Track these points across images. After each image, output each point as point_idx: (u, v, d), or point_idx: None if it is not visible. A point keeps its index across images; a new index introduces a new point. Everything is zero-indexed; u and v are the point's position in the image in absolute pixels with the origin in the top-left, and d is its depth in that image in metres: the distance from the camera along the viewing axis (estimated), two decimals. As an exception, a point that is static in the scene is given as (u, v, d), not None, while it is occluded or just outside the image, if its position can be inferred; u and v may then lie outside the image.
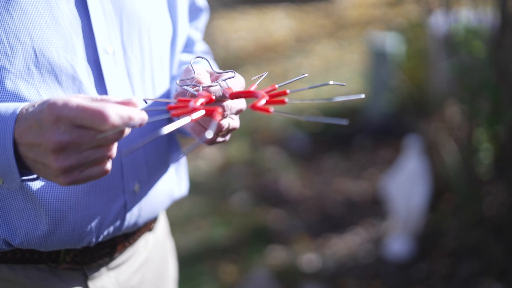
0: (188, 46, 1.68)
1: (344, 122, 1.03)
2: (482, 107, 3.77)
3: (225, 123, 1.30)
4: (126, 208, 1.42)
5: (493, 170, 3.81)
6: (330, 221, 4.44)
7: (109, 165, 1.12)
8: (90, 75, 1.34)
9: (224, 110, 1.26)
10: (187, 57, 1.63)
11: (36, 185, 1.29)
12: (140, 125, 1.07)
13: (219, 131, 1.30)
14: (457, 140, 4.01)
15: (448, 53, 4.06)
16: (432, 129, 4.30)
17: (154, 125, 1.45)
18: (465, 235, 3.80)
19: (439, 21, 4.39)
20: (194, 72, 1.28)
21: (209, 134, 1.00)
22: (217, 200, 4.82)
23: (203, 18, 1.76)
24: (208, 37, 8.78)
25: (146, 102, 1.32)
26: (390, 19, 7.87)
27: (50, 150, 1.05)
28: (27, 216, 1.30)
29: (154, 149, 1.49)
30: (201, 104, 1.13)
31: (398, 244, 3.95)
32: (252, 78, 1.26)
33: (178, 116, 1.07)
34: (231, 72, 1.29)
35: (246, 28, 9.53)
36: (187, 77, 1.28)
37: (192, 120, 1.04)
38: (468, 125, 3.90)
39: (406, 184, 3.91)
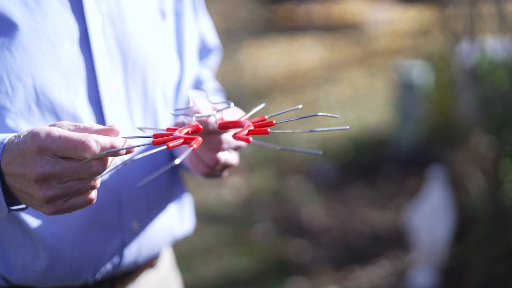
0: (197, 85, 1.68)
1: (319, 152, 1.02)
2: (508, 137, 3.71)
3: (222, 157, 1.30)
4: (124, 246, 1.41)
5: (520, 202, 3.74)
6: (353, 252, 4.38)
7: (93, 195, 1.11)
8: (92, 114, 1.34)
9: (220, 143, 1.26)
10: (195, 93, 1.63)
11: (34, 222, 1.29)
12: (127, 152, 1.07)
13: (215, 163, 1.30)
14: (483, 170, 3.95)
15: (473, 83, 4.02)
16: (458, 159, 4.25)
17: (151, 160, 1.44)
18: (492, 268, 3.72)
19: (465, 51, 4.36)
20: (190, 101, 1.28)
21: (177, 161, 0.98)
22: (239, 230, 4.79)
23: (214, 58, 1.77)
24: (236, 65, 8.82)
25: (142, 130, 1.32)
26: (419, 47, 7.83)
27: (33, 181, 1.05)
28: (24, 252, 1.31)
29: (154, 187, 1.48)
30: (186, 133, 1.12)
31: (422, 277, 3.88)
32: (253, 111, 1.24)
33: (158, 144, 1.07)
34: (228, 103, 1.28)
35: (275, 55, 9.55)
36: (182, 107, 1.28)
37: (168, 147, 1.03)
38: (494, 155, 3.84)
39: (430, 216, 3.85)
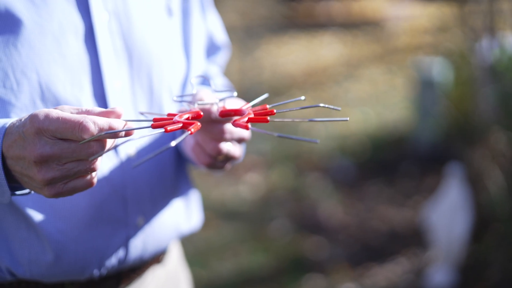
0: (205, 81, 1.68)
1: (316, 141, 1.01)
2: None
3: (224, 147, 1.30)
4: (129, 241, 1.41)
5: (539, 200, 3.70)
6: (370, 250, 4.36)
7: (94, 178, 1.11)
8: None
9: (223, 132, 1.26)
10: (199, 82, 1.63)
11: (39, 216, 1.30)
12: (126, 134, 1.07)
13: (217, 154, 1.30)
14: (502, 168, 3.91)
15: (492, 80, 3.98)
16: (477, 157, 4.21)
17: (157, 156, 1.44)
18: (510, 266, 3.69)
19: (485, 47, 4.32)
20: (193, 88, 1.28)
21: (173, 143, 0.98)
22: (256, 227, 4.78)
23: (222, 55, 1.76)
24: (255, 62, 8.81)
25: (143, 114, 1.32)
26: (438, 44, 7.78)
27: (32, 163, 1.05)
28: (29, 246, 1.31)
29: (160, 182, 1.48)
30: (187, 118, 1.12)
31: (440, 275, 3.85)
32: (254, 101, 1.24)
33: (156, 128, 1.07)
34: (232, 92, 1.28)
35: (295, 52, 9.53)
36: (185, 94, 1.28)
37: (166, 131, 1.03)
38: (513, 153, 3.80)
39: (448, 214, 3.82)
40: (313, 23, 10.83)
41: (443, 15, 7.10)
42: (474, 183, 4.13)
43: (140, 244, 1.43)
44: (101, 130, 1.03)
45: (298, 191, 5.32)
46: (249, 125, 1.08)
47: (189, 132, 1.03)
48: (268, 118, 1.11)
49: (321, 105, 1.14)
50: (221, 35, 1.75)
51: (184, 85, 1.56)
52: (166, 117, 1.12)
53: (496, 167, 3.96)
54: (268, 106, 1.15)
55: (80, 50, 1.32)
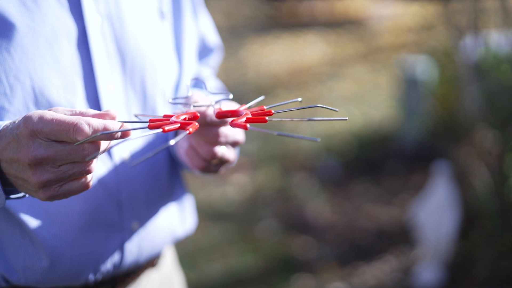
0: (198, 83, 1.67)
1: (317, 139, 1.01)
2: (513, 132, 3.70)
3: (219, 150, 1.29)
4: (124, 246, 1.41)
5: (525, 197, 3.73)
6: (359, 249, 4.37)
7: (89, 180, 1.10)
8: None
9: (218, 136, 1.25)
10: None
11: (33, 222, 1.29)
12: (122, 136, 1.05)
13: (212, 157, 1.28)
14: (488, 166, 3.93)
15: (477, 78, 4.00)
16: (462, 154, 4.23)
17: (151, 160, 1.43)
18: (498, 263, 3.71)
19: (469, 45, 4.34)
20: (188, 90, 1.27)
21: (172, 142, 0.97)
22: (244, 228, 4.78)
23: (215, 57, 1.76)
24: (239, 62, 8.80)
25: (137, 117, 1.32)
26: (422, 43, 7.82)
27: (27, 165, 1.04)
28: (24, 252, 1.30)
29: (154, 186, 1.47)
30: (184, 119, 1.10)
31: (428, 273, 3.87)
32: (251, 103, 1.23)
33: (153, 128, 1.05)
34: (227, 94, 1.28)
35: (279, 52, 9.53)
36: (180, 96, 1.27)
37: (164, 131, 1.02)
38: (499, 150, 3.82)
39: (436, 211, 3.83)
40: (296, 23, 10.84)
41: (427, 14, 7.14)
42: (461, 181, 4.15)
43: (135, 248, 1.43)
44: (95, 131, 1.02)
45: (285, 191, 5.32)
46: (248, 125, 1.07)
47: (187, 131, 1.03)
48: (267, 118, 1.10)
49: (319, 105, 1.14)
50: (213, 37, 1.74)
51: (177, 88, 1.55)
52: (162, 118, 1.11)
53: (482, 164, 3.98)
54: (265, 107, 1.15)
55: (73, 54, 1.31)
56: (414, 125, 5.78)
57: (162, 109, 1.48)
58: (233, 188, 5.35)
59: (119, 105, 1.39)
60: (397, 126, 6.11)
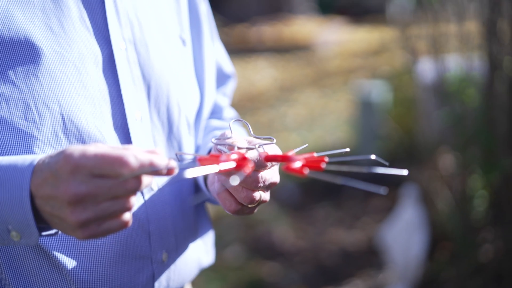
0: (216, 113, 1.64)
1: (382, 191, 1.00)
2: (476, 154, 3.76)
3: (257, 195, 1.23)
4: (154, 278, 1.37)
5: (488, 217, 3.79)
6: (326, 272, 4.38)
7: (128, 218, 1.05)
8: (118, 142, 1.30)
9: (257, 182, 1.19)
10: (217, 123, 1.59)
11: (63, 255, 1.24)
12: (168, 173, 1.02)
13: (250, 202, 1.22)
14: (451, 188, 3.99)
15: (439, 101, 4.07)
16: (425, 177, 4.28)
17: (178, 190, 1.41)
18: (464, 283, 3.75)
19: (426, 68, 4.42)
20: (232, 133, 1.23)
21: (235, 181, 0.95)
22: (210, 255, 4.73)
23: (231, 84, 1.74)
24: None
25: (177, 156, 1.27)
26: (374, 67, 7.95)
27: (66, 203, 1.00)
28: (54, 287, 1.25)
29: (181, 217, 1.44)
30: (233, 159, 1.07)
31: (396, 295, 3.90)
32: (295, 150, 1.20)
33: (206, 165, 1.02)
34: (270, 138, 1.24)
35: (229, 78, 9.55)
36: (223, 138, 1.23)
37: (220, 171, 0.99)
38: (462, 172, 3.88)
39: (404, 234, 3.87)
40: (246, 48, 10.90)
41: (373, 39, 7.27)
42: (424, 203, 4.20)
43: (164, 281, 1.39)
44: (142, 165, 0.99)
45: (247, 216, 5.30)
46: (306, 171, 1.04)
47: (246, 173, 1.00)
48: (323, 165, 1.07)
49: (373, 157, 1.13)
50: (228, 65, 1.73)
51: (198, 115, 1.53)
52: (208, 157, 1.07)
53: (444, 186, 4.04)
54: (315, 154, 1.12)
55: (100, 80, 1.28)
56: (371, 148, 5.83)
57: (187, 138, 1.46)
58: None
59: (146, 133, 1.36)
60: (354, 149, 6.15)
